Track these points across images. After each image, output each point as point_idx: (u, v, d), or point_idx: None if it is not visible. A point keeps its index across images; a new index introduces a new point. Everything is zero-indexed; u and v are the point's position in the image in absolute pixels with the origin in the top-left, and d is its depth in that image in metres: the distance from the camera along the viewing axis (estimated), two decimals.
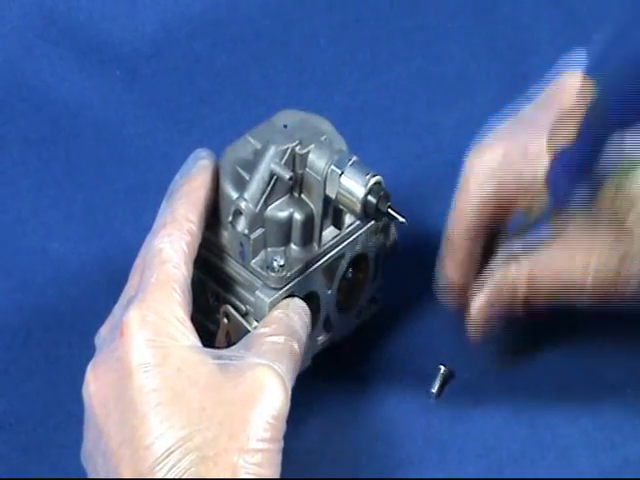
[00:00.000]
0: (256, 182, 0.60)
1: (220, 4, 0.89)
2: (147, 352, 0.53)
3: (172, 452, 0.51)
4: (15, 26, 0.87)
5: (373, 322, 0.73)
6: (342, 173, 0.60)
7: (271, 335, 0.58)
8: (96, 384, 0.55)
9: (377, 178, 0.60)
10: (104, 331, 0.59)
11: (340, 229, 0.64)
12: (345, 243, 0.65)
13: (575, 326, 0.73)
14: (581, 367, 0.73)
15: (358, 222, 0.65)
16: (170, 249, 0.58)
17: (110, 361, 0.55)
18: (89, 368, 0.56)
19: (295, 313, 0.60)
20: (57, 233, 0.78)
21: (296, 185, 0.61)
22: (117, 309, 0.59)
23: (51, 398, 0.71)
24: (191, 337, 0.56)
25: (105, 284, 0.76)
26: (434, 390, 0.73)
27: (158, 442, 0.51)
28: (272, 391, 0.54)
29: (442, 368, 0.73)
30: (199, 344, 0.56)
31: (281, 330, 0.59)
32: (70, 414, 0.70)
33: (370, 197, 0.60)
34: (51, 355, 0.73)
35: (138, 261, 0.60)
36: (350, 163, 0.60)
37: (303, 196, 0.62)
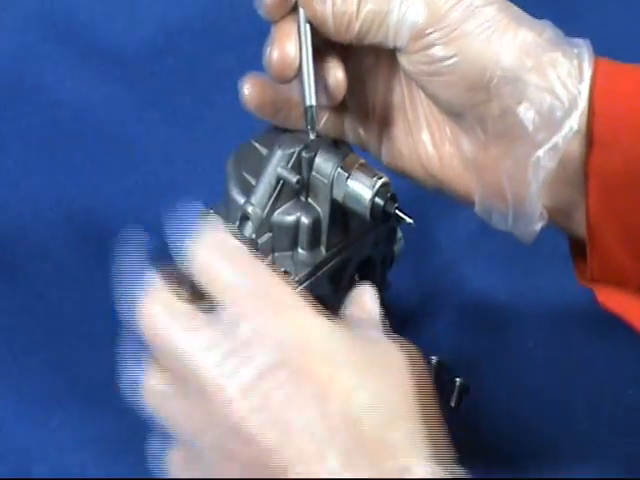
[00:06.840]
0: (263, 186, 0.60)
1: (220, 5, 0.89)
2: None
3: None
4: (16, 27, 0.87)
5: None
6: (349, 176, 0.59)
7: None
8: None
9: (384, 180, 0.59)
10: None
11: (348, 233, 0.64)
12: (352, 247, 0.64)
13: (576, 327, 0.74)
14: (581, 368, 0.73)
15: (366, 225, 0.64)
16: None
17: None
18: None
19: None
20: (58, 235, 0.78)
21: (303, 189, 0.61)
22: None
23: (52, 400, 0.71)
24: None
25: (107, 286, 0.76)
26: (452, 404, 0.71)
27: None
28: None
29: (457, 380, 0.72)
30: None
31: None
32: (71, 416, 0.70)
33: (377, 199, 0.59)
34: (52, 358, 0.73)
35: None
36: (357, 166, 0.59)
37: (310, 200, 0.61)
